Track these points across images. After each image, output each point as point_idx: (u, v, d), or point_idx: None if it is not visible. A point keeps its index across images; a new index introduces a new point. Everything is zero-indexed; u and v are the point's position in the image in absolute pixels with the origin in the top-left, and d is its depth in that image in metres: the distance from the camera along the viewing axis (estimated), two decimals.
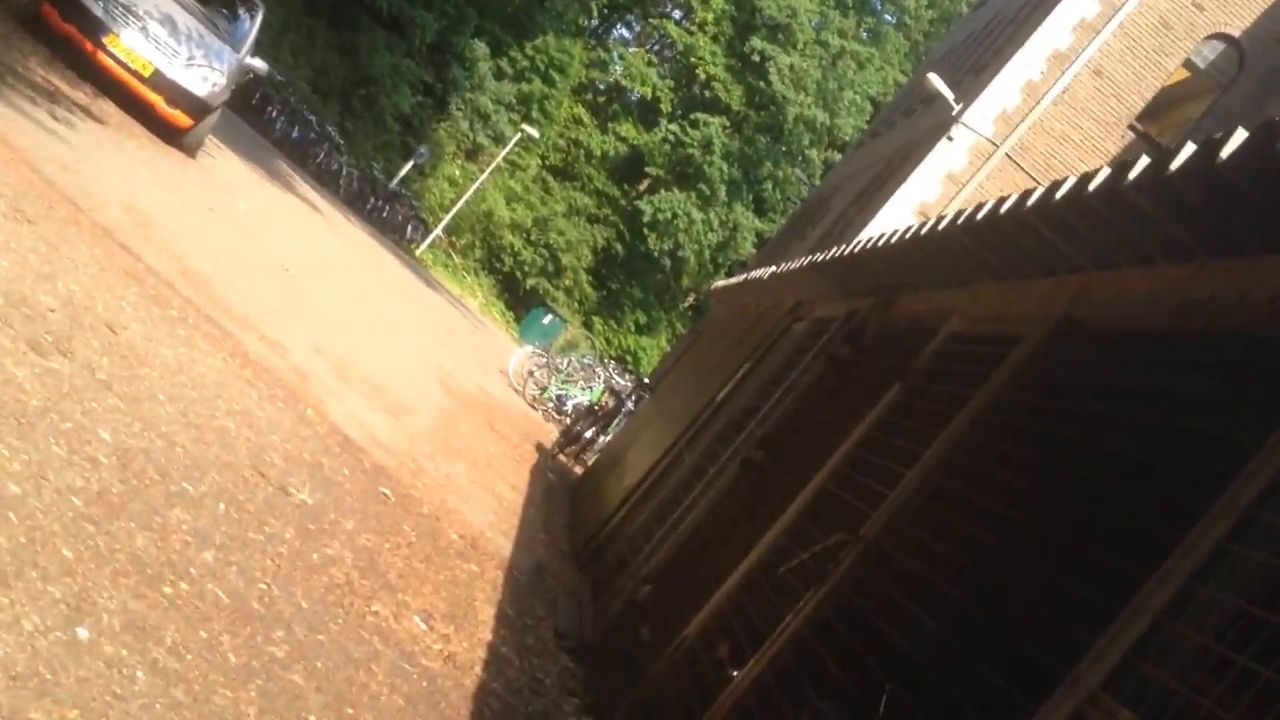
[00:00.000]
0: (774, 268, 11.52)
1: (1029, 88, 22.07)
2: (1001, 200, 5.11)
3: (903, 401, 5.69)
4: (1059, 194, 4.44)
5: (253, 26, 15.16)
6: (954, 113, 22.01)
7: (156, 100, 13.61)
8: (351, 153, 36.49)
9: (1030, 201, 4.72)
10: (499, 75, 45.42)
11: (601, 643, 7.18)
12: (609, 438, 18.11)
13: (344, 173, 34.63)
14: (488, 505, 9.77)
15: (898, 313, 7.15)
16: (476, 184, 43.85)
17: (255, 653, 4.01)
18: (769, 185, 52.73)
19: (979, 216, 5.29)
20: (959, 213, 5.73)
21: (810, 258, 9.37)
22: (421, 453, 9.50)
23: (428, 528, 7.49)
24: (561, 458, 17.01)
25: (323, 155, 33.58)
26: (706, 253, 51.65)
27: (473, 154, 46.17)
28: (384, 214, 36.89)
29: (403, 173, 39.98)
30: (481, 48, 43.46)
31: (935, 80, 22.21)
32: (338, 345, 10.71)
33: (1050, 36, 21.95)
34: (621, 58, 53.89)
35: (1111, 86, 22.15)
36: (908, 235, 6.46)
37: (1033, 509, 3.93)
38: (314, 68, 37.28)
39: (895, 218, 20.65)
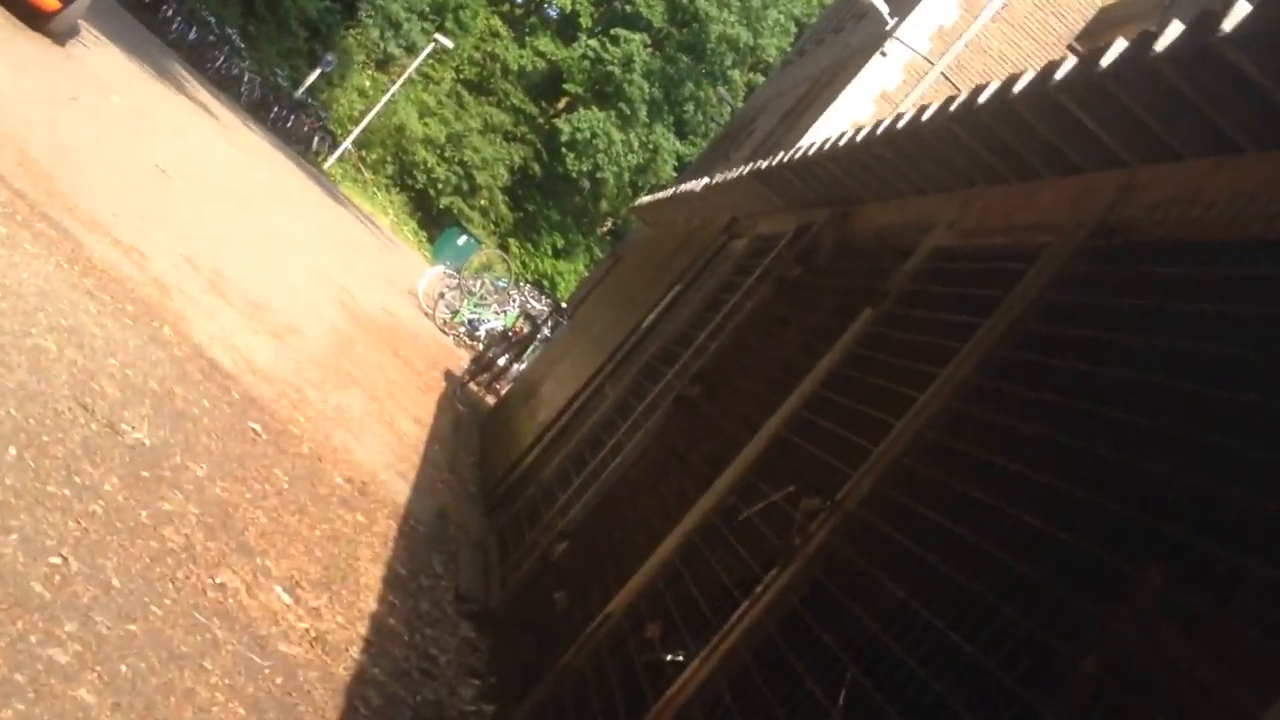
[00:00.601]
0: (706, 179, 10.45)
1: (967, 3, 21.12)
2: (1012, 79, 4.08)
3: (875, 331, 4.69)
4: (1105, 63, 3.43)
5: None
6: (888, 27, 20.98)
7: None
8: (254, 58, 34.50)
9: (1059, 76, 3.70)
10: None
11: (509, 608, 6.16)
12: (524, 366, 17.01)
13: (245, 79, 32.63)
14: (384, 442, 8.67)
15: (858, 226, 6.14)
16: (387, 96, 41.93)
17: (23, 661, 2.91)
18: (690, 107, 51.39)
19: (981, 101, 4.26)
20: (948, 100, 4.70)
21: (751, 166, 8.31)
22: (307, 380, 8.35)
23: (305, 470, 6.38)
24: (473, 387, 15.87)
25: (222, 59, 31.54)
26: (626, 175, 50.33)
27: (384, 64, 44.20)
28: (288, 124, 34.92)
29: (309, 81, 38.03)
30: None
31: None
32: (215, 257, 9.45)
33: None
34: None
35: (1051, 4, 21.27)
36: (879, 132, 5.42)
37: (1081, 475, 2.95)
38: None
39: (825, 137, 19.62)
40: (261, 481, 5.62)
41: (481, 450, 11.64)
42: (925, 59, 20.76)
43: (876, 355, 4.52)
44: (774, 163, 7.49)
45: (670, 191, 13.32)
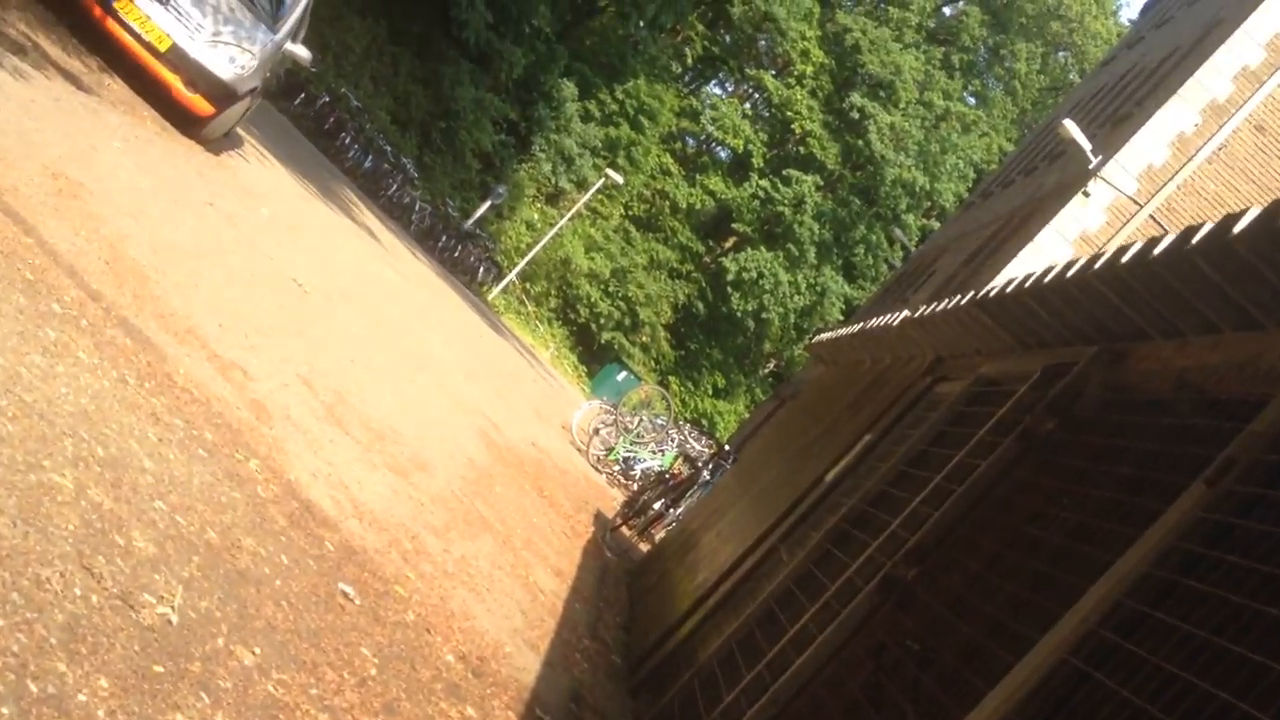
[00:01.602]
0: (905, 312, 9.00)
1: (1180, 141, 19.40)
2: None
3: (1215, 520, 3.16)
4: None
5: (296, 4, 12.96)
6: (1091, 166, 19.36)
7: (173, 80, 11.49)
8: (426, 187, 34.60)
9: None
10: (586, 117, 43.50)
11: None
12: (681, 512, 15.55)
13: (417, 207, 32.61)
14: (514, 602, 7.30)
15: (1141, 369, 4.61)
16: (555, 229, 41.72)
17: None
18: (861, 250, 50.17)
19: None
20: None
21: (970, 294, 6.86)
22: (428, 525, 7.06)
23: (405, 647, 5.03)
24: (624, 531, 14.46)
25: (395, 187, 31.57)
26: (791, 317, 49.18)
27: (553, 198, 44.16)
28: (455, 253, 34.78)
29: (479, 212, 37.95)
30: (570, 87, 41.60)
31: (1071, 127, 19.58)
32: (340, 379, 8.33)
33: (1208, 85, 19.31)
34: (714, 107, 51.62)
35: (1275, 145, 19.42)
36: (1193, 242, 3.93)
37: None
38: (394, 97, 35.56)
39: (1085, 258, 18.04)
40: (339, 667, 4.28)
41: (630, 609, 10.20)
42: (1132, 200, 19.05)
43: (1227, 557, 2.99)
44: (1006, 290, 6.03)
45: (856, 327, 11.90)
